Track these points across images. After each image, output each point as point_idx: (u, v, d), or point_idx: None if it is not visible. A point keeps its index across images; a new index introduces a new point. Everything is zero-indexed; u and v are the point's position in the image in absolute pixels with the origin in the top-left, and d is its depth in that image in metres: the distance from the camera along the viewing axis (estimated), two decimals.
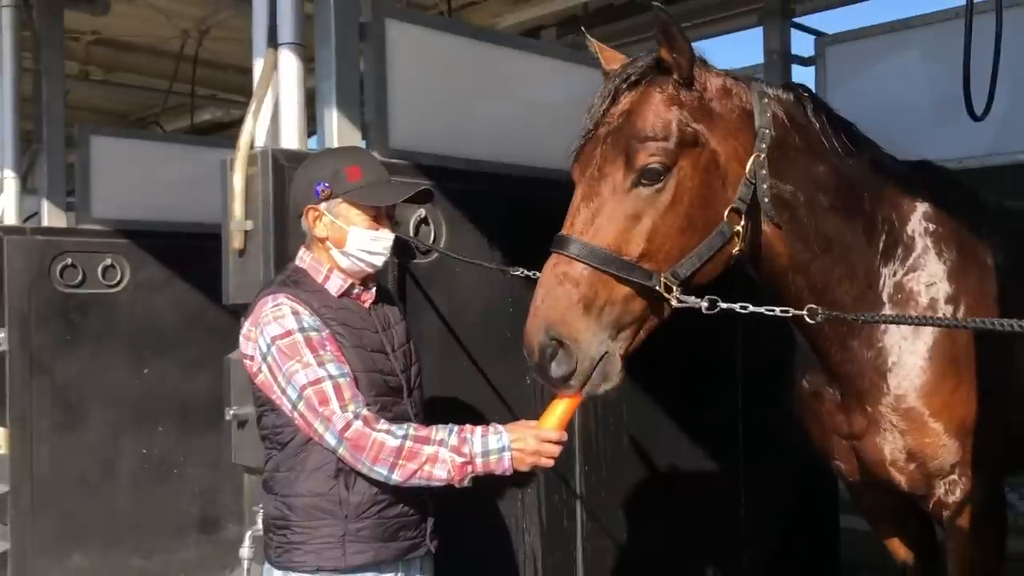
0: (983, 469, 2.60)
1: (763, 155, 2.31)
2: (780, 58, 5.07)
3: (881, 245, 2.64)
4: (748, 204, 2.29)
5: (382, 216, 2.42)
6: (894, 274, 2.66)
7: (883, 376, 2.63)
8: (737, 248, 2.29)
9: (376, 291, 2.50)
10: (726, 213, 2.26)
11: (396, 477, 2.21)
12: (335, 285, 2.40)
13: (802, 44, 5.25)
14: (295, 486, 2.31)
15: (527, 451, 2.22)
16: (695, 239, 2.23)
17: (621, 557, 3.78)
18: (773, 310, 2.21)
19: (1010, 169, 4.35)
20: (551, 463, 2.27)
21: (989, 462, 2.62)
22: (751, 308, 2.20)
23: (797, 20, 5.22)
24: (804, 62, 5.21)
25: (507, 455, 2.22)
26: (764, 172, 2.31)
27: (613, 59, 2.50)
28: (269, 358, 2.27)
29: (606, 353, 2.15)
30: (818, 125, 2.50)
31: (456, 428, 2.25)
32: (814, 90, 5.04)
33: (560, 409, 2.26)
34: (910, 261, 2.67)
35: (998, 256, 2.72)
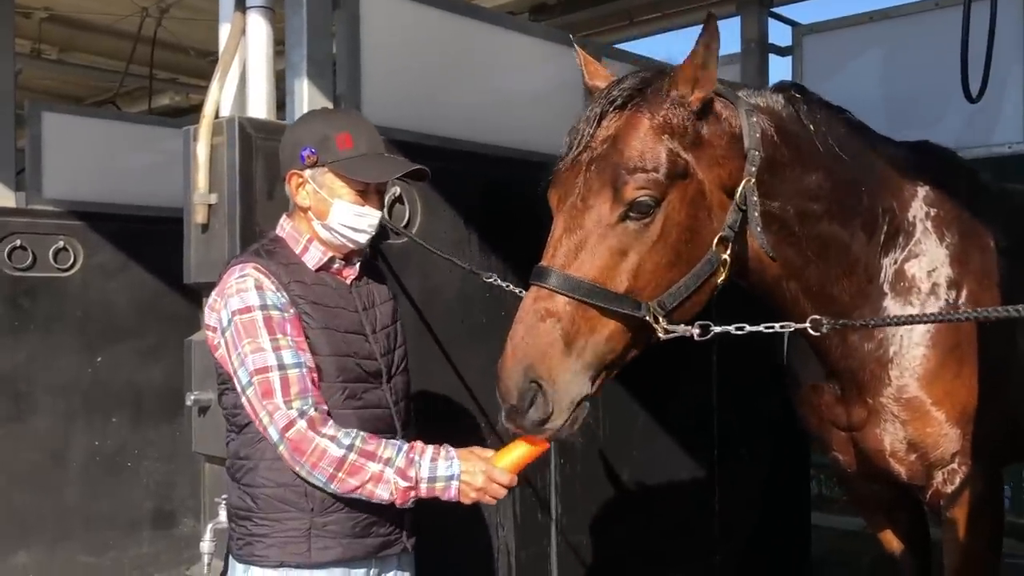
0: (983, 458, 2.55)
1: (753, 179, 2.17)
2: (757, 47, 5.02)
3: (883, 236, 2.55)
4: (737, 231, 2.17)
5: (370, 191, 2.25)
6: (895, 262, 2.58)
7: (884, 367, 2.55)
8: (723, 277, 2.17)
9: (361, 266, 2.34)
10: (714, 243, 2.14)
11: (334, 488, 2.06)
12: (313, 258, 2.25)
13: (780, 34, 5.20)
14: (256, 475, 2.16)
15: (473, 486, 2.09)
16: (681, 272, 2.10)
17: (595, 552, 3.70)
18: (772, 327, 2.11)
19: (987, 161, 4.33)
20: (494, 503, 2.16)
21: (989, 451, 2.56)
22: (748, 328, 2.10)
23: (775, 10, 5.17)
24: (781, 52, 5.16)
25: (455, 484, 2.08)
26: (755, 198, 2.18)
27: (597, 74, 2.37)
28: (228, 333, 2.12)
29: (584, 396, 2.02)
30: (812, 128, 2.38)
31: (405, 447, 2.10)
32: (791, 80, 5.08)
33: (520, 452, 2.13)
34: (911, 247, 2.60)
35: (1001, 238, 2.66)
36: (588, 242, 2.04)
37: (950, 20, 3.25)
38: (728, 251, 2.14)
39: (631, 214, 2.05)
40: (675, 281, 2.09)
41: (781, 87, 2.45)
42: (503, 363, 2.00)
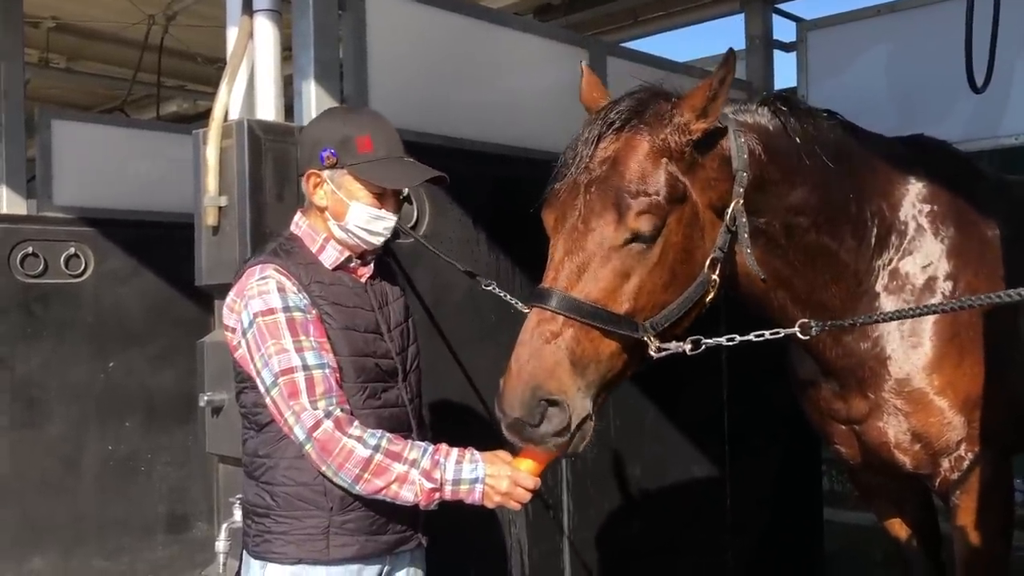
0: (989, 445, 2.55)
1: (741, 200, 2.20)
2: (762, 44, 5.01)
3: (873, 240, 2.56)
4: (726, 252, 2.20)
5: (388, 195, 2.26)
6: (889, 262, 2.59)
7: (883, 363, 2.57)
8: (712, 296, 2.20)
9: (375, 264, 2.35)
10: (706, 265, 2.17)
11: (360, 489, 2.07)
12: (330, 257, 2.25)
13: (785, 30, 5.20)
14: (276, 473, 2.18)
15: (498, 490, 2.10)
16: (676, 292, 2.14)
17: (607, 549, 3.71)
18: (763, 334, 2.15)
19: (995, 153, 4.32)
20: (519, 507, 2.15)
21: (995, 438, 2.56)
22: (739, 338, 2.14)
23: (779, 6, 5.17)
24: (786, 48, 5.15)
25: (479, 488, 2.09)
26: (744, 219, 2.22)
27: (593, 89, 2.39)
28: (249, 334, 2.13)
29: (588, 415, 2.04)
30: (798, 140, 2.39)
31: (431, 449, 2.11)
32: (795, 77, 5.07)
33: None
34: (905, 245, 2.61)
35: (1002, 228, 2.65)
36: (591, 264, 2.06)
37: (956, 12, 3.23)
38: (718, 272, 2.18)
39: (635, 238, 2.07)
40: (669, 303, 2.12)
41: (766, 100, 2.46)
42: (508, 382, 2.00)
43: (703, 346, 2.12)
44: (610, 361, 2.06)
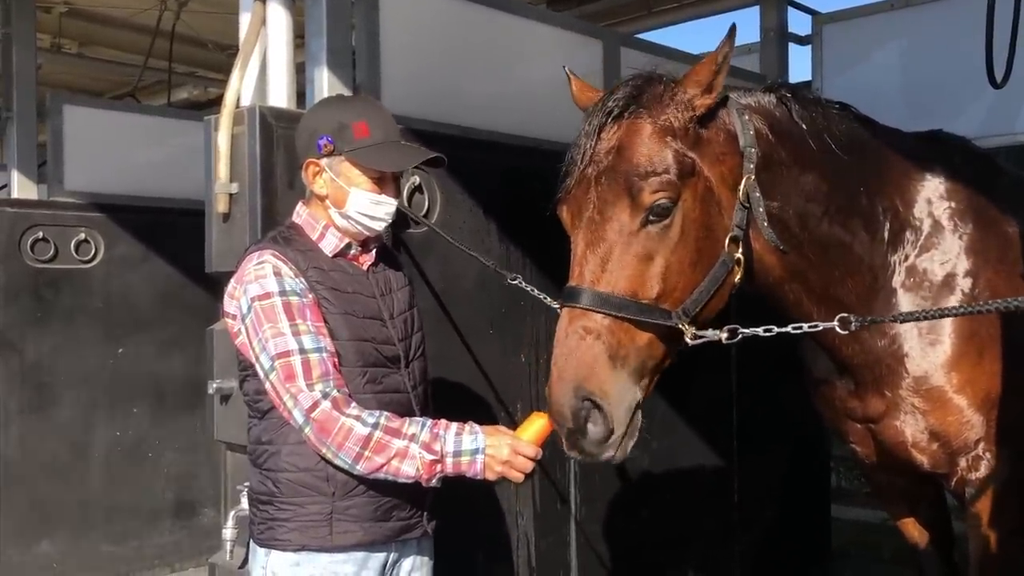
0: (1007, 444, 2.52)
1: (753, 176, 2.19)
2: (776, 37, 4.98)
3: (886, 235, 2.54)
4: (744, 229, 2.20)
5: (387, 180, 2.26)
6: (906, 258, 2.56)
7: (900, 361, 2.54)
8: (738, 277, 2.19)
9: (377, 252, 2.34)
10: (726, 242, 2.16)
11: (360, 468, 2.07)
12: (330, 244, 2.25)
13: (800, 23, 5.18)
14: (279, 459, 2.17)
15: (499, 459, 2.09)
16: (703, 272, 2.13)
17: (614, 542, 3.70)
18: (801, 327, 2.13)
19: (1012, 150, 4.28)
20: (521, 478, 2.14)
21: (1014, 436, 2.53)
22: (777, 329, 2.11)
23: None
24: (801, 41, 5.12)
25: (480, 458, 2.08)
26: (758, 195, 2.20)
27: (584, 89, 2.39)
28: (248, 320, 2.13)
29: (637, 403, 2.05)
30: (805, 127, 2.37)
31: (429, 423, 2.11)
32: (811, 70, 5.04)
33: (539, 424, 2.14)
34: (921, 242, 2.57)
35: (1022, 225, 2.62)
36: (613, 254, 2.06)
37: (971, 6, 3.22)
38: (740, 250, 2.17)
39: (651, 218, 2.07)
40: (698, 283, 2.12)
41: (771, 88, 2.45)
42: (551, 387, 2.02)
43: (739, 335, 2.10)
44: (648, 348, 2.06)
